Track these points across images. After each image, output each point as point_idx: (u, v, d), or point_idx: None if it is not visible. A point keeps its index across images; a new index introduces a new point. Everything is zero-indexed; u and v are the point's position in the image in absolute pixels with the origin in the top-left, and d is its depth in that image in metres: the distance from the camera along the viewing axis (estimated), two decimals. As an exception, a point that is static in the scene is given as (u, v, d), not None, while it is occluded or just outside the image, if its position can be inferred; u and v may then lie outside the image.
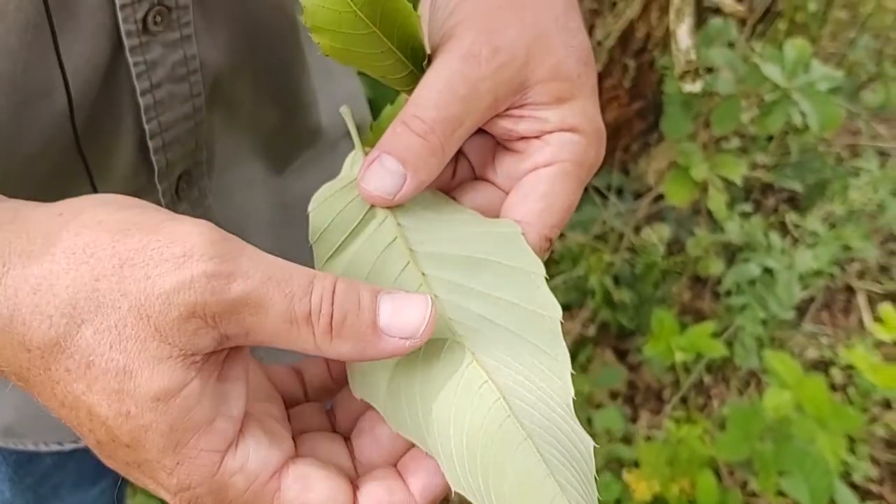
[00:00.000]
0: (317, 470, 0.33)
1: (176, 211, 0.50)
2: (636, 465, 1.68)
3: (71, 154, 0.44)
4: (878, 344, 2.03)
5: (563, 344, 0.34)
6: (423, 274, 0.36)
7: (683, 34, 1.08)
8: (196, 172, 0.52)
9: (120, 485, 0.84)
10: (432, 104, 0.36)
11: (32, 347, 0.29)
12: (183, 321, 0.29)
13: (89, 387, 0.29)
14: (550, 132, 0.39)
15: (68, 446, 0.64)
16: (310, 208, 0.38)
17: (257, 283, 0.30)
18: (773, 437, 1.49)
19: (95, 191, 0.46)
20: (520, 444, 0.32)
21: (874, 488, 1.86)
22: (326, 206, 0.38)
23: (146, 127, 0.46)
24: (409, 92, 0.39)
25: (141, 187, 0.49)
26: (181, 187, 0.51)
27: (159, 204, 0.49)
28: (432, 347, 0.33)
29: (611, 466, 1.80)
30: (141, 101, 0.45)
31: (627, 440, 1.88)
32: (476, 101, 0.37)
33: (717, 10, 1.34)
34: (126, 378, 0.29)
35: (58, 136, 0.43)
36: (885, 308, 1.41)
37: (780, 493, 1.65)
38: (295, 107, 0.57)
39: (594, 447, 0.33)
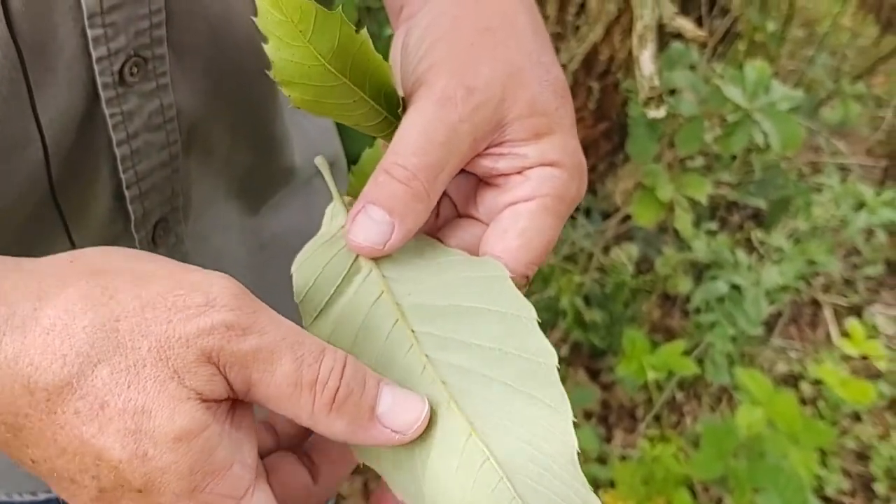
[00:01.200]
0: None
1: None
2: (612, 484, 1.69)
3: (46, 205, 0.44)
4: (846, 357, 2.06)
5: (562, 390, 0.34)
6: (413, 331, 0.35)
7: (646, 60, 1.09)
8: (173, 219, 0.51)
9: None
10: (412, 151, 0.36)
11: (38, 389, 0.28)
12: (200, 365, 0.29)
13: (101, 429, 0.28)
14: (531, 167, 0.39)
15: (42, 496, 0.63)
16: (293, 269, 0.38)
17: (271, 340, 0.30)
18: (746, 454, 1.50)
19: (70, 240, 0.46)
20: None
21: (846, 500, 1.89)
22: (309, 263, 0.37)
23: (123, 177, 0.46)
24: (386, 137, 0.38)
25: (117, 235, 0.49)
26: (158, 234, 0.51)
27: None
28: (431, 416, 0.33)
29: (587, 487, 1.80)
30: (117, 151, 0.45)
31: (602, 460, 1.89)
32: (456, 144, 0.37)
33: (679, 36, 1.36)
34: (144, 418, 0.28)
35: (33, 187, 0.43)
36: (851, 323, 1.43)
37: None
38: (269, 147, 0.57)
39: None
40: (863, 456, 1.97)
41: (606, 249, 2.05)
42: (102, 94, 0.43)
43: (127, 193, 0.47)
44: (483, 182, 0.41)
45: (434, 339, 0.35)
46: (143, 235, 0.50)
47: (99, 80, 0.42)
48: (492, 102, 0.38)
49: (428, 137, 0.36)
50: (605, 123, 2.11)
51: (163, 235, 0.51)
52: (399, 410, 0.32)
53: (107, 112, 0.44)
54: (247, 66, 0.50)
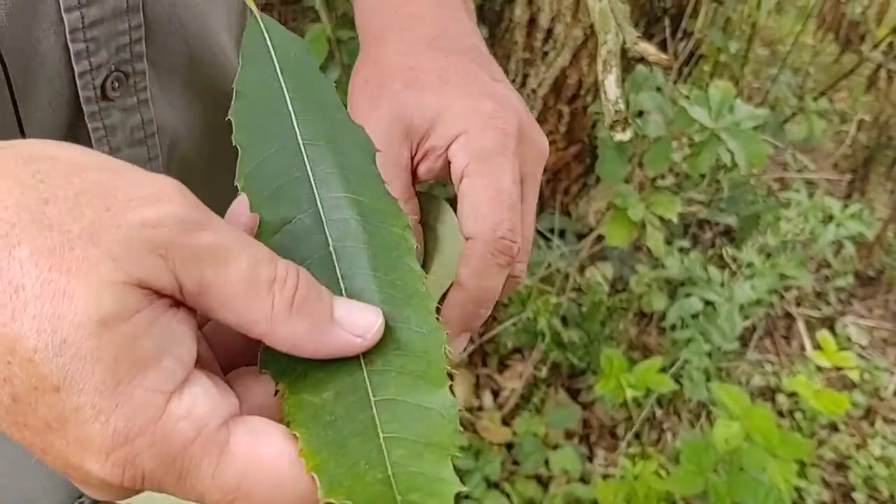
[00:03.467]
0: (267, 424, 0.29)
1: (102, 121, 0.49)
2: (595, 504, 1.70)
3: None
4: (821, 368, 2.09)
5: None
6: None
7: (611, 85, 1.11)
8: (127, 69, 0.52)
9: None
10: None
11: None
12: (143, 253, 0.26)
13: (14, 315, 0.25)
14: (449, 145, 0.41)
15: None
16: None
17: (226, 236, 0.28)
18: (725, 469, 1.52)
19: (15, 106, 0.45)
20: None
21: (827, 510, 1.91)
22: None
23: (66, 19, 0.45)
24: None
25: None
26: (109, 88, 0.51)
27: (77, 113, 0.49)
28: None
29: (570, 507, 1.81)
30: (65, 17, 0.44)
31: (585, 480, 1.90)
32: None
33: (642, 60, 1.39)
34: (66, 301, 0.25)
35: None
36: (822, 335, 1.45)
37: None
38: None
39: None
40: (841, 466, 1.99)
41: (582, 269, 2.07)
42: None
43: (72, 48, 0.46)
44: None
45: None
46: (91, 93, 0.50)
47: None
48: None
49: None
50: (576, 146, 2.14)
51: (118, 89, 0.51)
52: (356, 316, 0.30)
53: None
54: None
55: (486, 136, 0.41)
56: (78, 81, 0.43)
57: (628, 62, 1.73)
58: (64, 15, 0.41)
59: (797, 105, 2.14)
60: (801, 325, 2.23)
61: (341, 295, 0.32)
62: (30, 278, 0.25)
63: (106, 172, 0.27)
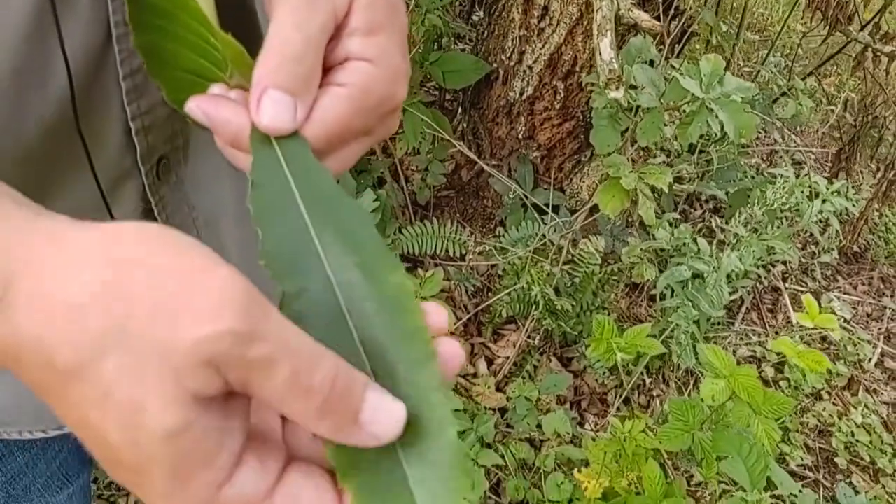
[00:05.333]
0: (304, 483, 0.35)
1: (157, 194, 0.56)
2: (586, 465, 1.75)
3: (72, 135, 0.49)
4: (806, 338, 2.15)
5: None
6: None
7: (605, 48, 1.17)
8: (174, 158, 0.57)
9: (87, 491, 0.87)
10: (291, 27, 0.41)
11: (56, 370, 0.31)
12: (200, 368, 0.31)
13: (104, 415, 0.31)
14: (351, 60, 0.44)
15: (52, 433, 0.68)
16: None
17: (272, 348, 0.32)
18: (711, 428, 1.58)
19: (93, 170, 0.51)
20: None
21: (811, 475, 1.97)
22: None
23: (128, 109, 0.51)
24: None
25: (127, 170, 0.54)
26: (161, 171, 0.56)
27: (143, 185, 0.55)
28: None
29: (562, 468, 1.87)
30: (123, 84, 0.50)
31: (576, 443, 1.96)
32: (321, 12, 0.42)
33: (635, 26, 1.44)
34: (139, 412, 0.31)
35: (59, 119, 0.48)
36: (807, 298, 1.51)
37: (722, 481, 1.74)
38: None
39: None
40: (824, 432, 2.06)
41: (575, 243, 2.13)
42: (114, 32, 0.48)
43: (132, 125, 0.52)
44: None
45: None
46: (149, 169, 0.55)
47: (112, 19, 0.48)
48: None
49: (295, 25, 0.41)
50: (570, 122, 2.20)
51: (165, 173, 0.56)
52: (380, 417, 0.35)
53: (116, 48, 0.49)
54: (238, 7, 0.55)
55: (382, 84, 0.44)
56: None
57: (622, 37, 1.78)
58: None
59: (786, 85, 2.20)
60: (786, 299, 2.29)
61: (354, 341, 0.38)
62: (115, 387, 0.31)
63: (180, 281, 0.32)
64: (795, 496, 1.57)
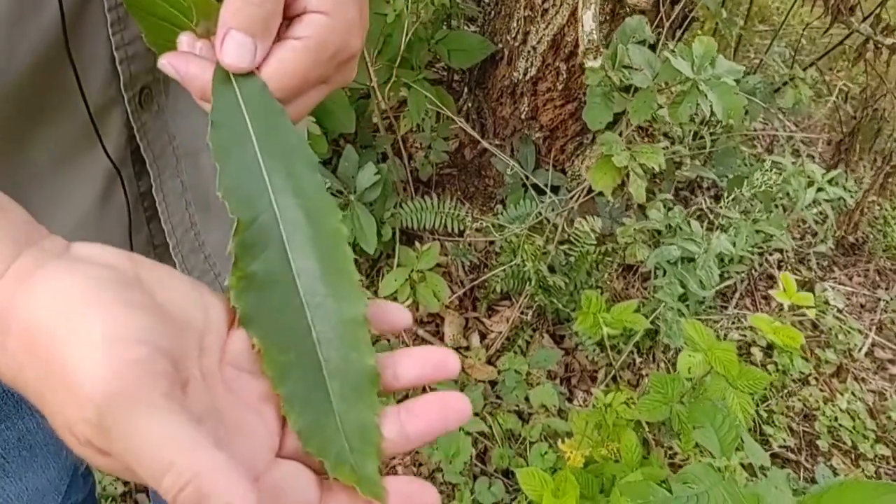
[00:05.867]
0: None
1: (139, 121, 0.61)
2: (571, 437, 1.80)
3: (63, 65, 0.53)
4: (794, 325, 2.18)
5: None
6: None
7: (588, 19, 1.21)
8: (155, 89, 0.61)
9: None
10: None
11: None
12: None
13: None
14: (307, 12, 0.47)
15: None
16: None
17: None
18: (690, 400, 1.62)
19: (84, 99, 0.56)
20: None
21: (793, 457, 2.00)
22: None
23: (112, 39, 0.55)
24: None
25: (112, 97, 0.58)
26: (143, 99, 0.60)
27: (126, 113, 0.59)
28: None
29: (548, 440, 1.91)
30: (108, 15, 0.54)
31: (564, 418, 2.00)
32: None
33: (621, 2, 1.48)
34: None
35: (50, 46, 0.51)
36: (784, 275, 1.55)
37: (701, 455, 1.78)
38: None
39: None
40: (809, 416, 2.09)
41: (571, 222, 2.16)
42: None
43: (116, 55, 0.56)
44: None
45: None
46: (131, 97, 0.59)
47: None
48: None
49: None
50: (572, 104, 2.23)
51: (147, 102, 0.61)
52: None
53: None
54: None
55: (337, 35, 0.48)
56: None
57: (614, 16, 1.81)
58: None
59: (788, 74, 2.22)
60: (781, 286, 2.31)
61: (293, 274, 0.43)
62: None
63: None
64: (766, 469, 1.61)
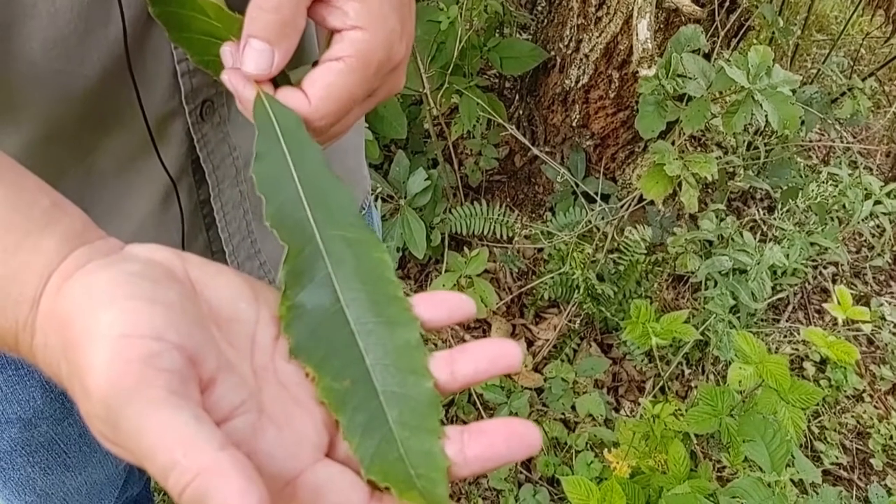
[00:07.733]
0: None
1: (199, 132, 0.62)
2: (617, 446, 1.79)
3: (124, 77, 0.54)
4: (849, 340, 2.14)
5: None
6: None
7: (642, 28, 1.21)
8: (217, 101, 0.62)
9: None
10: None
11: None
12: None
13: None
14: (346, 29, 0.47)
15: None
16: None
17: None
18: (740, 413, 1.60)
19: (143, 111, 0.57)
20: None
21: (845, 475, 1.96)
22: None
23: (175, 53, 0.57)
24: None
25: (174, 109, 0.60)
26: (205, 111, 0.61)
27: (187, 124, 0.61)
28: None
29: (594, 449, 1.90)
30: None
31: (611, 427, 1.98)
32: None
33: (676, 11, 1.47)
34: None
35: (113, 61, 0.53)
36: (839, 289, 1.52)
37: (750, 469, 1.76)
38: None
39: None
40: (862, 434, 2.05)
41: (621, 231, 2.15)
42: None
43: (178, 68, 0.57)
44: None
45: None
46: (193, 109, 0.60)
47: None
48: None
49: None
50: (624, 112, 2.22)
51: (209, 114, 0.62)
52: None
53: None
54: None
55: (380, 50, 0.47)
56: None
57: (668, 25, 1.80)
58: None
59: (846, 84, 2.18)
60: (836, 300, 2.27)
61: (341, 304, 0.43)
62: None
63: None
64: (818, 486, 1.58)
